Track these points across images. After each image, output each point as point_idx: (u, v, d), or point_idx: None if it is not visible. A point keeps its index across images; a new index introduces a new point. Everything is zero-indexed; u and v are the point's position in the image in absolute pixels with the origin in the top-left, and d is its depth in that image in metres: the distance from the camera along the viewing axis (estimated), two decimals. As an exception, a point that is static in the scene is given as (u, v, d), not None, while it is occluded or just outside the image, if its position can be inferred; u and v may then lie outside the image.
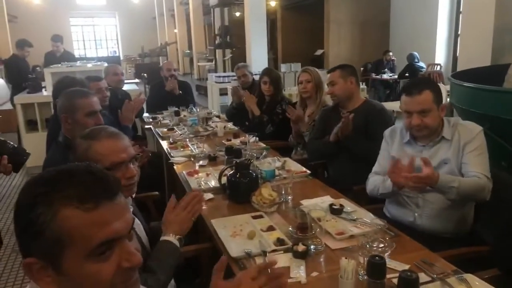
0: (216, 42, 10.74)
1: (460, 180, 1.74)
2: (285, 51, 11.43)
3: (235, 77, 4.80)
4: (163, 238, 1.48)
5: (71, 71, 5.12)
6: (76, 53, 12.84)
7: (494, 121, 2.52)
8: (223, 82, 7.21)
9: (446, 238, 1.86)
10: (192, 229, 1.60)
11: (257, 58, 7.95)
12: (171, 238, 1.47)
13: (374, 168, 2.10)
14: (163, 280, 1.38)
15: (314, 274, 1.39)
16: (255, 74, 4.75)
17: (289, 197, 2.05)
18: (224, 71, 10.19)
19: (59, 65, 5.83)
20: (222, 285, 0.94)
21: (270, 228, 1.71)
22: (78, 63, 6.25)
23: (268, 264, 1.00)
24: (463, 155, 1.84)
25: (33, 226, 0.70)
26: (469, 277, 1.31)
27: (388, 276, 1.25)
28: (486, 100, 2.73)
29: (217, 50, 11.20)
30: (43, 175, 0.76)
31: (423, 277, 1.30)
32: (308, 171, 2.44)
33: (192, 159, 2.76)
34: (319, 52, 10.42)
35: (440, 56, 8.84)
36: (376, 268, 1.21)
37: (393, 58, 9.21)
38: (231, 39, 10.29)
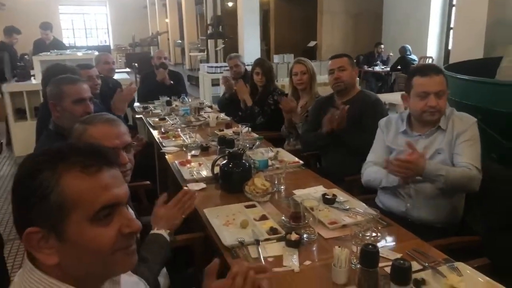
0: (208, 32, 10.65)
1: (448, 169, 1.75)
2: (278, 42, 11.38)
3: (227, 68, 4.76)
4: (153, 231, 1.47)
5: (61, 59, 5.04)
6: (66, 42, 12.58)
7: (486, 113, 2.54)
8: (215, 73, 7.16)
9: (437, 228, 1.87)
10: (184, 219, 1.59)
11: (250, 49, 7.91)
12: (161, 231, 1.46)
13: (369, 158, 2.09)
14: (155, 270, 1.38)
15: (307, 262, 1.40)
16: (248, 65, 4.72)
17: (282, 187, 2.05)
18: (216, 62, 10.13)
19: (49, 53, 5.74)
20: (215, 286, 0.93)
21: (263, 218, 1.70)
22: (68, 51, 6.16)
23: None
24: (456, 145, 1.84)
25: (37, 192, 0.72)
26: (460, 265, 1.32)
27: (380, 264, 1.26)
28: (478, 92, 2.75)
29: (209, 40, 11.10)
30: (43, 150, 0.79)
31: (415, 265, 1.31)
32: (301, 162, 2.44)
33: (184, 149, 2.74)
34: (312, 43, 10.38)
35: (432, 49, 8.86)
36: (369, 256, 1.21)
37: (390, 54, 9.15)
38: (224, 29, 10.20)
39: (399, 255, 1.38)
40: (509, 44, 3.46)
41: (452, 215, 1.92)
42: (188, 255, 1.76)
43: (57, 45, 6.63)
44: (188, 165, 2.39)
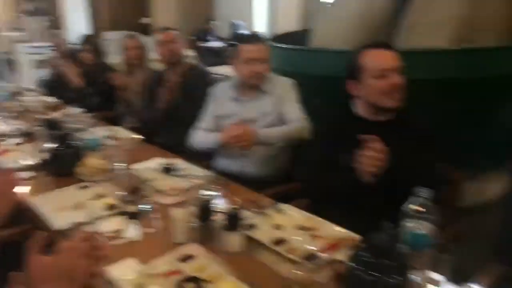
0: (27, 9, 9.38)
1: (280, 129, 1.99)
2: (111, 19, 10.66)
3: (52, 47, 4.31)
4: None
5: None
6: None
7: (301, 77, 2.87)
8: (39, 53, 6.39)
9: (268, 181, 2.07)
10: (10, 213, 1.43)
11: (75, 26, 7.28)
12: None
13: (200, 124, 2.18)
14: None
15: (149, 230, 1.42)
16: (75, 44, 4.35)
17: (121, 164, 1.99)
18: (39, 41, 9.01)
19: None
20: (38, 259, 0.87)
21: (100, 196, 1.65)
22: None
23: (89, 234, 0.95)
24: (282, 105, 2.07)
25: None
26: (285, 206, 1.52)
27: (218, 218, 1.35)
28: (293, 59, 3.11)
29: (29, 18, 9.77)
30: None
31: (248, 214, 1.45)
32: (141, 137, 2.42)
33: (3, 138, 2.43)
34: (145, 20, 10.04)
35: (259, 24, 9.53)
36: (204, 211, 1.30)
37: (224, 37, 9.43)
38: (47, 4, 9.11)
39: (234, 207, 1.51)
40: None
41: (282, 167, 2.16)
42: (20, 250, 1.60)
43: None
44: (10, 154, 2.14)
